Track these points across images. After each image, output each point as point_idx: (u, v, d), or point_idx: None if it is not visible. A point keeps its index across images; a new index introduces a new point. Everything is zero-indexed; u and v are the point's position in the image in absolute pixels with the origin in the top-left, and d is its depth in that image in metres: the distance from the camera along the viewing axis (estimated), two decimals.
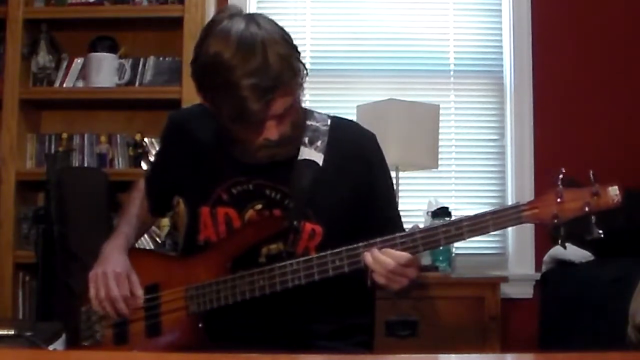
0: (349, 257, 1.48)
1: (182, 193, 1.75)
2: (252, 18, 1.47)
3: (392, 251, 1.46)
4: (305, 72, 1.50)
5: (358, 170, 1.62)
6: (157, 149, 1.85)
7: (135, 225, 1.75)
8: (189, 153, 1.67)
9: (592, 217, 1.42)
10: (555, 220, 1.44)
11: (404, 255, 1.45)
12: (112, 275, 1.58)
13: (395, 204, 1.73)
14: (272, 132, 1.48)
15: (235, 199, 1.60)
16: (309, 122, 1.63)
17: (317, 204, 1.58)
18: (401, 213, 1.73)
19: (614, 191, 1.41)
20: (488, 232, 1.47)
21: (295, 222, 1.56)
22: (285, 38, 1.48)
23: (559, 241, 1.45)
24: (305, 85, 1.52)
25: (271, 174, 1.58)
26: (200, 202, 1.62)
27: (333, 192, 1.60)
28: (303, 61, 1.51)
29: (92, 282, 1.59)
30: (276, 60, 1.42)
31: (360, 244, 1.48)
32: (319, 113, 1.67)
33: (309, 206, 1.57)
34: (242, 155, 1.57)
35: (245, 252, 1.56)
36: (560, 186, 1.43)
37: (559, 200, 1.43)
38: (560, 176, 1.44)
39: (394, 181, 2.81)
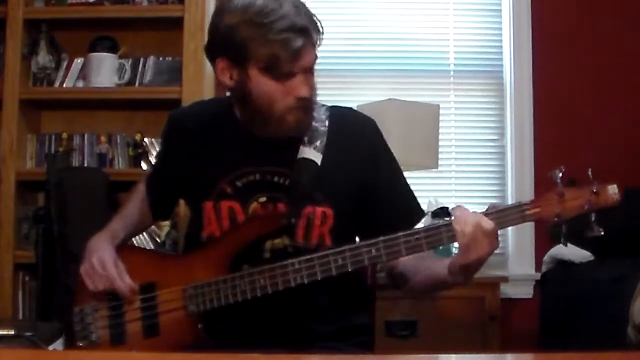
0: (352, 256, 1.47)
1: (184, 192, 1.74)
2: None
3: (478, 213, 1.42)
4: (322, 32, 1.54)
5: (362, 160, 1.63)
6: (158, 149, 1.85)
7: (127, 223, 1.75)
8: (190, 150, 1.66)
9: (592, 215, 1.42)
10: (557, 219, 1.44)
11: (489, 221, 1.40)
12: (98, 263, 1.57)
13: (405, 182, 1.69)
14: (303, 88, 1.51)
15: (239, 192, 1.59)
16: None
17: (324, 188, 1.58)
18: (409, 186, 1.71)
19: (613, 190, 1.42)
20: None
21: (293, 220, 1.56)
22: None
23: (561, 239, 1.45)
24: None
25: (276, 162, 1.59)
26: (203, 198, 1.61)
27: (339, 174, 1.60)
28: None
29: (84, 277, 1.58)
30: (304, 9, 1.50)
31: (362, 243, 1.48)
32: (316, 104, 1.67)
33: (315, 190, 1.57)
34: (263, 129, 1.56)
35: (245, 248, 1.55)
36: (561, 185, 1.44)
37: (560, 199, 1.43)
38: (560, 174, 1.44)
39: None
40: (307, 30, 1.49)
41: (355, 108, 3.01)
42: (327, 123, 1.65)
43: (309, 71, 1.53)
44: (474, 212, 1.43)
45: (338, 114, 1.69)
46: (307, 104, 1.54)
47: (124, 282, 1.56)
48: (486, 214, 1.43)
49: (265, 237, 1.57)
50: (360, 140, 1.65)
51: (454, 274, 1.46)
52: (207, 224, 1.61)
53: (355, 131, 1.67)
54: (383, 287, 2.02)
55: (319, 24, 1.53)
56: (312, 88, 1.55)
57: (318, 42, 1.53)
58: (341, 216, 1.58)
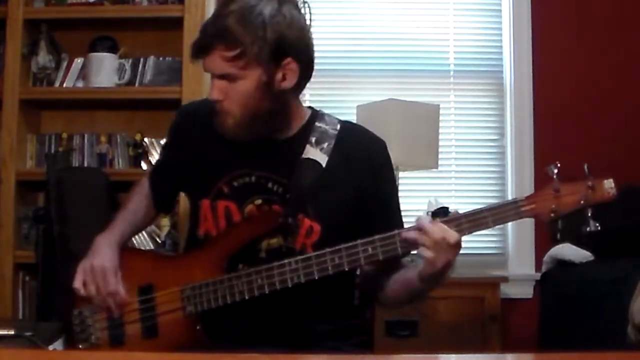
0: (348, 255, 1.48)
1: (185, 186, 1.75)
2: None
3: (442, 225, 1.45)
4: (273, 63, 1.50)
5: (363, 174, 1.62)
6: (164, 141, 1.86)
7: (131, 222, 1.74)
8: (193, 145, 1.67)
9: (589, 210, 1.42)
10: (553, 215, 1.44)
11: (453, 233, 1.44)
12: (100, 271, 1.57)
13: (399, 212, 1.70)
14: (211, 90, 1.54)
15: (236, 192, 1.59)
16: (318, 124, 1.63)
17: (318, 202, 1.57)
18: (401, 213, 1.71)
19: (609, 184, 1.42)
20: (487, 228, 1.47)
21: (290, 219, 1.55)
22: (286, 28, 1.49)
23: (557, 235, 1.45)
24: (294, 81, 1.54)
25: (274, 167, 1.58)
26: (201, 195, 1.62)
27: (335, 193, 1.59)
28: (285, 59, 1.51)
29: (80, 273, 1.58)
30: (234, 22, 1.47)
31: (359, 241, 1.48)
32: (329, 116, 1.67)
33: (309, 203, 1.57)
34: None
35: (242, 248, 1.56)
36: (557, 180, 1.44)
37: (556, 194, 1.43)
38: (555, 170, 1.44)
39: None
40: (206, 34, 1.50)
41: (355, 108, 3.03)
42: (338, 127, 1.65)
43: (219, 77, 1.53)
44: (437, 224, 1.45)
45: (350, 126, 1.69)
46: (220, 109, 1.54)
47: (120, 294, 1.57)
48: (445, 221, 1.46)
49: (261, 237, 1.57)
50: (366, 154, 1.64)
51: (425, 281, 1.51)
52: (204, 221, 1.61)
53: (364, 144, 1.66)
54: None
55: (244, 36, 1.47)
56: (219, 95, 1.53)
57: (234, 54, 1.48)
58: (328, 234, 1.56)
